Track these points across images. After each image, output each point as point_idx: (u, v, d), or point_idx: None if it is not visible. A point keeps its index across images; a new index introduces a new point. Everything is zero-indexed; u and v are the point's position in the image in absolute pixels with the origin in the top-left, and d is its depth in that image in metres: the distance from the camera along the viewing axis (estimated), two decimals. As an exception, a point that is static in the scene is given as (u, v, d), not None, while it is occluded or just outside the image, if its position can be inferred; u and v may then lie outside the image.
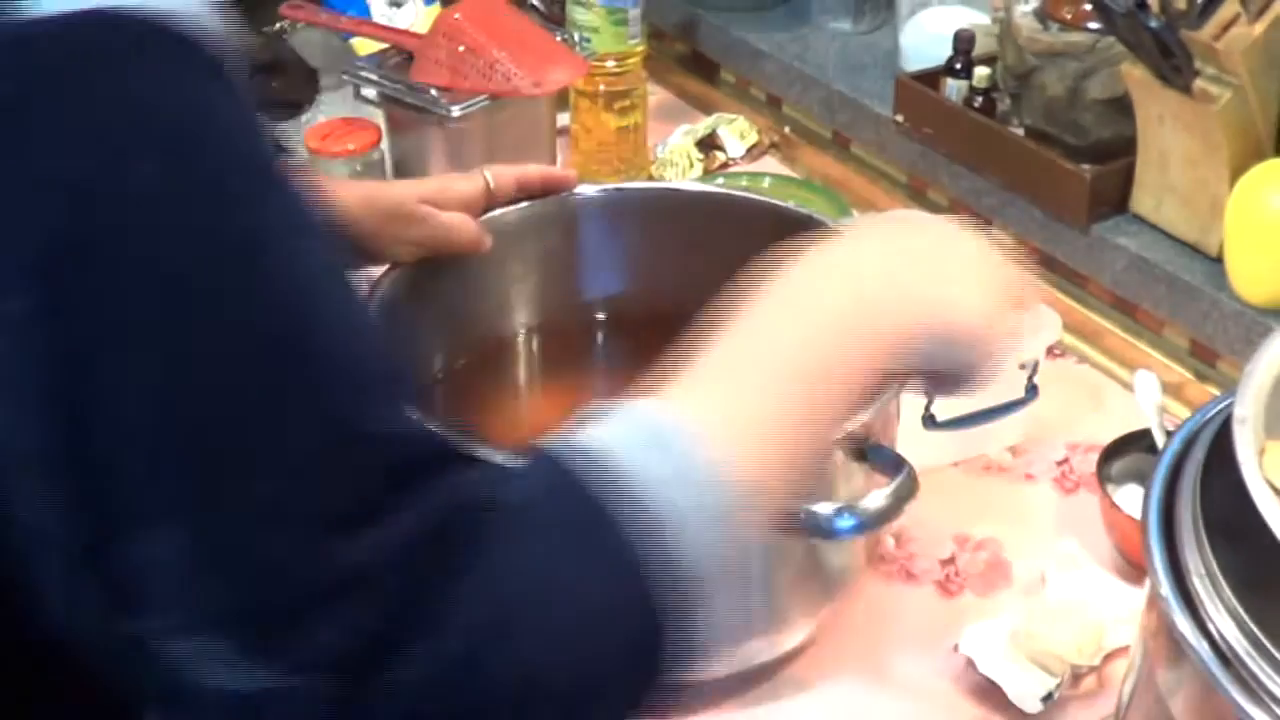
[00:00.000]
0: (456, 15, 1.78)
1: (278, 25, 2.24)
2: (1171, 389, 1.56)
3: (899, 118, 1.93)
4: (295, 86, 2.09)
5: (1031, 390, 1.46)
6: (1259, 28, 1.47)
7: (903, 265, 0.96)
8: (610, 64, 1.96)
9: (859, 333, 0.91)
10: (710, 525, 0.78)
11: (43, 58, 0.68)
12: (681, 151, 2.05)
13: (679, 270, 1.48)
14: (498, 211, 1.42)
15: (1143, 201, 1.67)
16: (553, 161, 1.97)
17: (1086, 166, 1.68)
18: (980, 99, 1.83)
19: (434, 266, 1.37)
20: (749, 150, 2.10)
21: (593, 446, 0.78)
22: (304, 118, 2.05)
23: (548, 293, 1.48)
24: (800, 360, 0.89)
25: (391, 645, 0.69)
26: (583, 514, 0.76)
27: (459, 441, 0.79)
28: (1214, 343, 1.59)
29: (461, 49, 1.76)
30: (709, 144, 2.08)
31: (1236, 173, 1.53)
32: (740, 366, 0.88)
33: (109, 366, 0.67)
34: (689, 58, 2.37)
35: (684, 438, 0.80)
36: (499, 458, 0.79)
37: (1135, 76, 1.58)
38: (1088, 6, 1.61)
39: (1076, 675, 1.25)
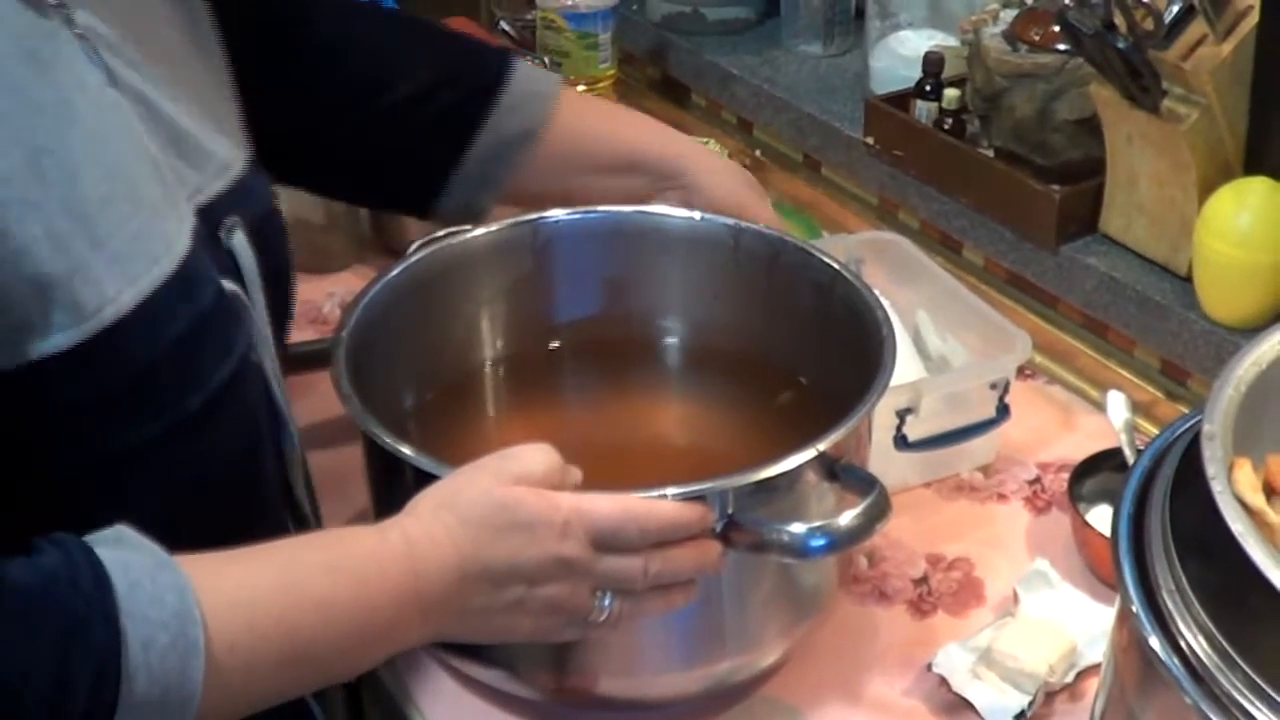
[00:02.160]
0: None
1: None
2: (1142, 408, 1.57)
3: (869, 140, 1.93)
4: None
5: (1003, 410, 1.46)
6: (1226, 48, 1.48)
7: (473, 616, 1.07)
8: (581, 88, 1.97)
9: (393, 644, 1.06)
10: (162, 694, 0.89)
11: None
12: (653, 175, 2.05)
13: (650, 294, 1.48)
14: (467, 235, 1.42)
15: (1112, 221, 1.67)
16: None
17: (1056, 187, 1.69)
18: (950, 121, 1.83)
19: (405, 292, 1.37)
20: (720, 173, 2.10)
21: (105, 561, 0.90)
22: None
23: (518, 317, 1.48)
24: (333, 635, 1.00)
25: None
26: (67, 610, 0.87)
27: None
28: (1184, 362, 1.59)
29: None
30: (680, 167, 2.08)
31: (1205, 192, 1.53)
32: (283, 601, 0.97)
33: None
34: (660, 81, 2.37)
35: (194, 608, 0.91)
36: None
37: (1104, 97, 1.59)
38: (1056, 28, 1.62)
39: (1049, 693, 1.25)
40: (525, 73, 1.48)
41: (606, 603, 1.08)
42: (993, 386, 1.46)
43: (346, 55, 1.42)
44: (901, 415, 1.42)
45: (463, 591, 1.04)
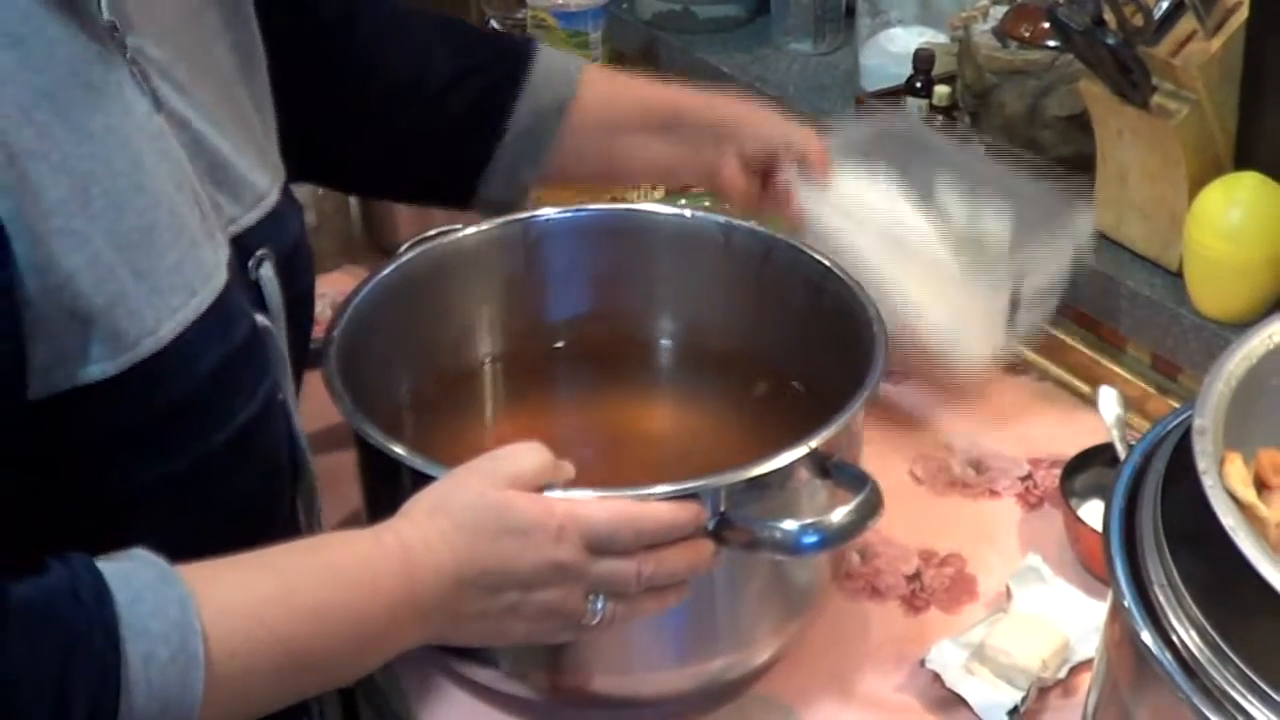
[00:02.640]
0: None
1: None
2: (1134, 403, 1.57)
3: (860, 137, 1.93)
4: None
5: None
6: (1215, 43, 1.48)
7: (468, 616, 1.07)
8: (571, 86, 1.96)
9: (388, 649, 1.06)
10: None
11: None
12: (644, 173, 2.05)
13: (642, 292, 1.48)
14: (458, 235, 1.42)
15: (1103, 217, 1.67)
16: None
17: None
18: (940, 117, 1.83)
19: (396, 292, 1.37)
20: (711, 171, 2.10)
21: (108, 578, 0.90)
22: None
23: (511, 315, 1.48)
24: (330, 640, 1.00)
25: None
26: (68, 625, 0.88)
27: None
28: (1175, 357, 1.59)
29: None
30: (671, 165, 2.08)
31: (1195, 187, 1.53)
32: (280, 609, 0.98)
33: None
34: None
35: (195, 621, 0.91)
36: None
37: (1094, 93, 1.59)
38: (1046, 25, 1.62)
39: (1042, 689, 1.26)
40: (549, 53, 1.49)
41: (600, 605, 1.08)
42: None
43: (388, 54, 1.42)
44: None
45: (458, 597, 1.04)
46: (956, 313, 1.43)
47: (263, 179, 1.16)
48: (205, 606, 0.91)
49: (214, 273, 1.03)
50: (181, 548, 0.95)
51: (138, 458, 0.98)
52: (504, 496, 1.05)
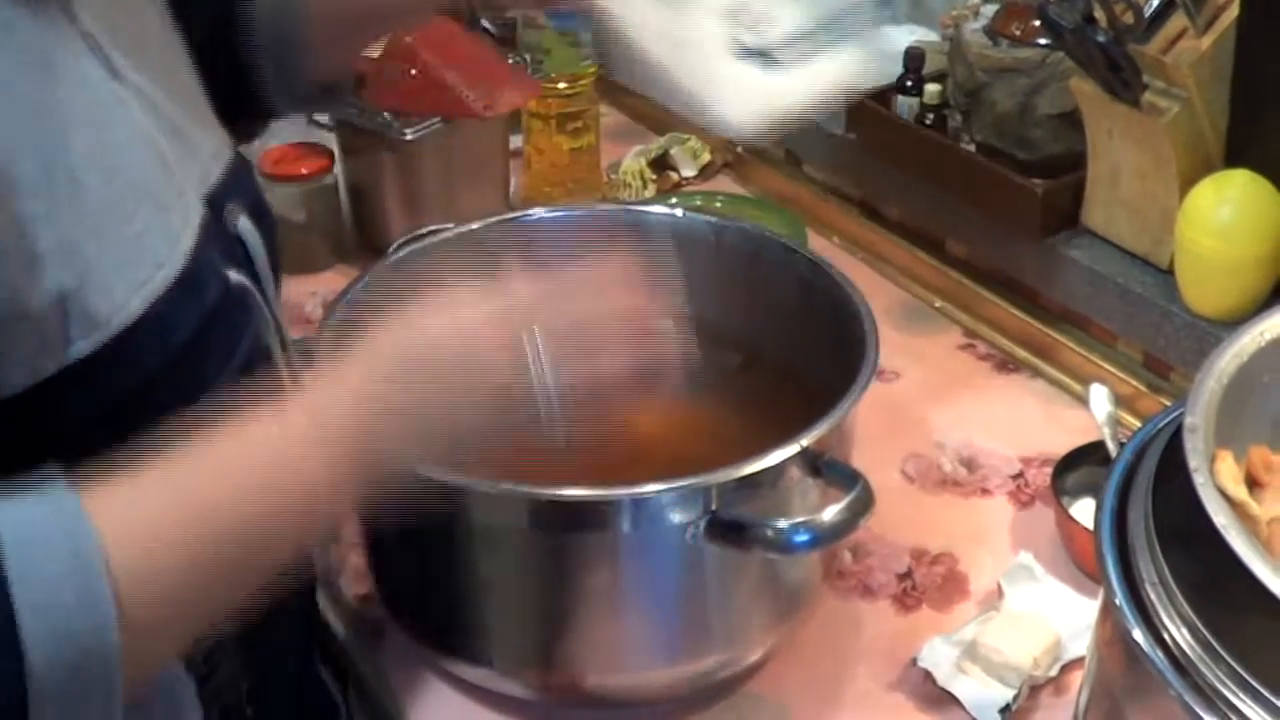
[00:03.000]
0: (408, 39, 1.77)
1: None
2: (1125, 401, 1.57)
3: (851, 136, 1.93)
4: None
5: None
6: (1206, 41, 1.48)
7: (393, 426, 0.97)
8: (562, 85, 1.97)
9: (310, 498, 0.95)
10: (69, 644, 0.82)
11: None
12: (634, 172, 2.05)
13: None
14: (448, 234, 1.42)
15: (1094, 215, 1.68)
16: (507, 185, 1.98)
17: (1038, 181, 1.69)
18: (931, 116, 1.83)
19: (391, 289, 1.37)
20: (702, 170, 2.11)
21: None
22: (256, 143, 2.04)
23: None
24: (241, 530, 0.92)
25: None
26: None
27: None
28: (1166, 355, 1.59)
29: (414, 72, 1.76)
30: (662, 164, 2.09)
31: (1186, 185, 1.53)
32: (186, 507, 0.90)
33: None
34: (641, 79, 2.36)
35: (95, 555, 0.84)
36: None
37: (1084, 91, 1.59)
38: (1036, 23, 1.62)
39: (1034, 686, 1.26)
40: None
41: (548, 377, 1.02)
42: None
43: None
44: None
45: (370, 390, 0.97)
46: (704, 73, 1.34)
47: (214, 135, 1.14)
48: (105, 529, 0.85)
49: (181, 237, 1.01)
50: None
51: (112, 437, 0.96)
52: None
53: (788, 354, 1.42)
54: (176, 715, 1.04)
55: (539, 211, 1.47)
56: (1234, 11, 1.48)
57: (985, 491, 1.52)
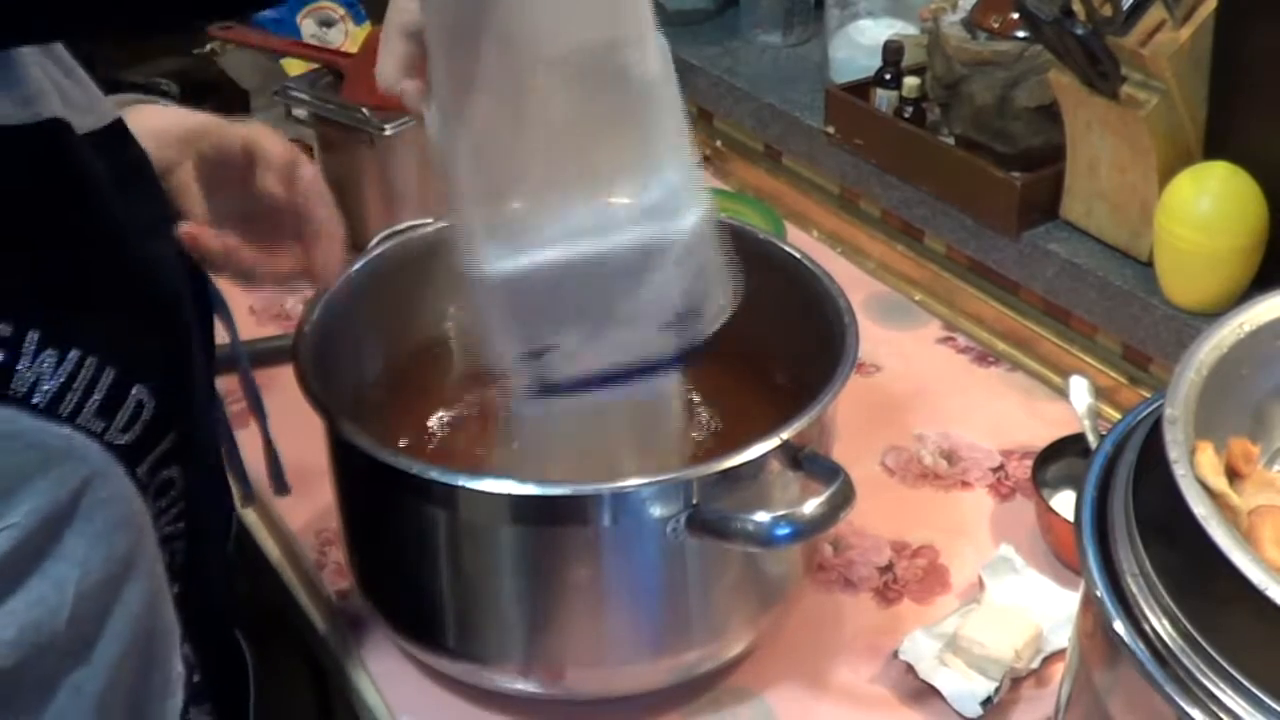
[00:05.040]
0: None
1: (208, 47, 2.23)
2: (1105, 393, 1.57)
3: (830, 129, 1.93)
4: (226, 108, 2.08)
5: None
6: (1184, 33, 1.48)
7: None
8: (541, 80, 1.96)
9: None
10: None
11: None
12: (614, 166, 2.04)
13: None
14: (428, 228, 1.42)
15: (1073, 208, 1.68)
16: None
17: (1016, 174, 1.69)
18: (910, 109, 1.83)
19: (367, 286, 1.37)
20: (682, 164, 2.10)
21: None
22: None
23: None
24: None
25: None
26: None
27: None
28: (1146, 347, 1.60)
29: (392, 67, 1.75)
30: (642, 158, 2.08)
31: (1165, 177, 1.54)
32: None
33: None
34: (620, 73, 2.36)
35: None
36: None
37: (1063, 84, 1.59)
38: (1015, 15, 1.62)
39: (1016, 679, 1.26)
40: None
41: None
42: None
43: None
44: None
45: None
46: None
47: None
48: None
49: None
50: None
51: None
52: None
53: (767, 348, 1.42)
54: None
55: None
56: (1212, 4, 1.48)
57: (966, 484, 1.52)
